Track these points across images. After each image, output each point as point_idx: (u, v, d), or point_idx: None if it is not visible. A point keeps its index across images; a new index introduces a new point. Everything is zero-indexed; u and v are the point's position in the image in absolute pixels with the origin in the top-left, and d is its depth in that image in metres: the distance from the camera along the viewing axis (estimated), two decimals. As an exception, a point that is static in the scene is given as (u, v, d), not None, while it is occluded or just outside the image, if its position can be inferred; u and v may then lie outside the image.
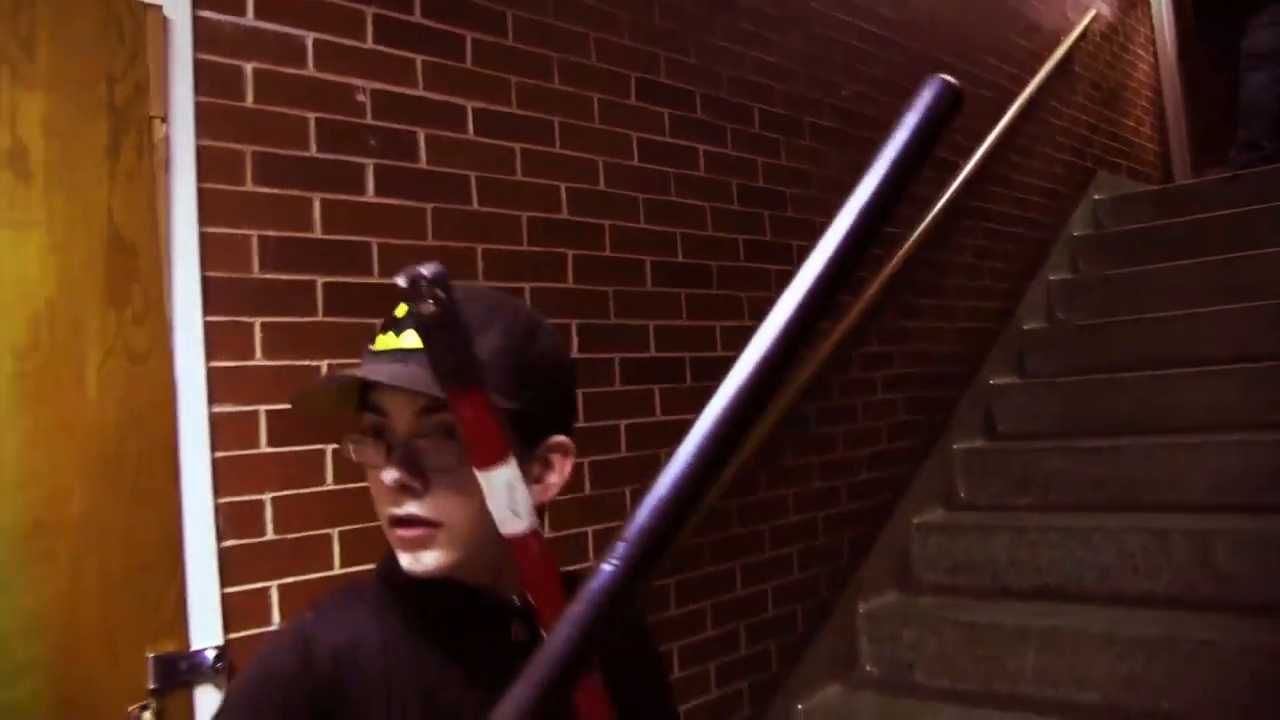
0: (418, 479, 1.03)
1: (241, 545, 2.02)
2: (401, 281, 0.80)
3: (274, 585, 2.06)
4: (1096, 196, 5.42)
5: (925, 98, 0.63)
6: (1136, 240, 5.10)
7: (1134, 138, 6.12)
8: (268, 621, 2.03)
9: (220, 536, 1.99)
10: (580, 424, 1.80)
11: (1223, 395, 3.83)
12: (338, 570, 2.15)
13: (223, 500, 2.00)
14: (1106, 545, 3.37)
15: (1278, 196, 4.76)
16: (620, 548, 0.60)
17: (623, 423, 2.80)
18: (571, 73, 2.79)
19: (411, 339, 1.02)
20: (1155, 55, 6.56)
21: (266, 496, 2.07)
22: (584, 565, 2.51)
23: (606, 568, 0.60)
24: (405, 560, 1.05)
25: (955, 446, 4.09)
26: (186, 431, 1.96)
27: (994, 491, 3.97)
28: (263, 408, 2.08)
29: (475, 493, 0.94)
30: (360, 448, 1.06)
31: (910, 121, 0.62)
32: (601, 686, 0.92)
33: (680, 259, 3.03)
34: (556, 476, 1.09)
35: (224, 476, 2.01)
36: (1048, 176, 5.04)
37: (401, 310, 1.05)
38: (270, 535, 2.07)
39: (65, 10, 1.89)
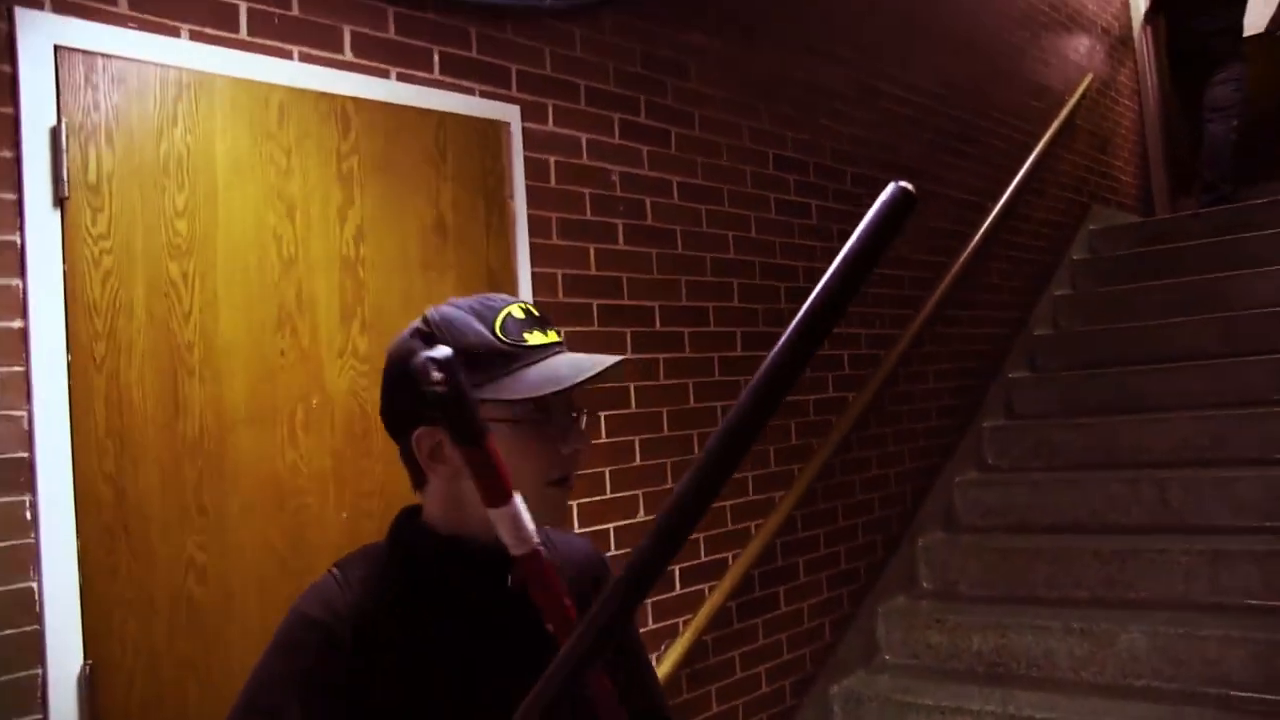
0: (583, 450, 1.22)
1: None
2: (417, 364, 0.89)
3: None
4: (1092, 227, 6.40)
5: (883, 199, 0.75)
6: (1123, 264, 6.10)
7: (1122, 176, 7.10)
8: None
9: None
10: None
11: (1184, 384, 4.86)
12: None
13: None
14: (1095, 492, 4.43)
15: (1233, 231, 5.78)
16: (618, 581, 0.80)
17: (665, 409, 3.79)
18: (732, 152, 3.77)
19: (554, 335, 1.23)
20: (1140, 105, 7.52)
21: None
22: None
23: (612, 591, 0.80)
24: (559, 513, 1.24)
25: (985, 424, 5.09)
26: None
27: (1014, 457, 4.97)
28: (602, 415, 3.04)
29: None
30: (538, 426, 1.19)
31: (870, 216, 0.75)
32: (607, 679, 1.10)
33: (801, 284, 4.00)
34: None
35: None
36: (1054, 211, 6.02)
37: (530, 308, 1.24)
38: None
39: (461, 128, 2.86)
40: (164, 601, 2.18)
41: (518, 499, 0.98)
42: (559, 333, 1.25)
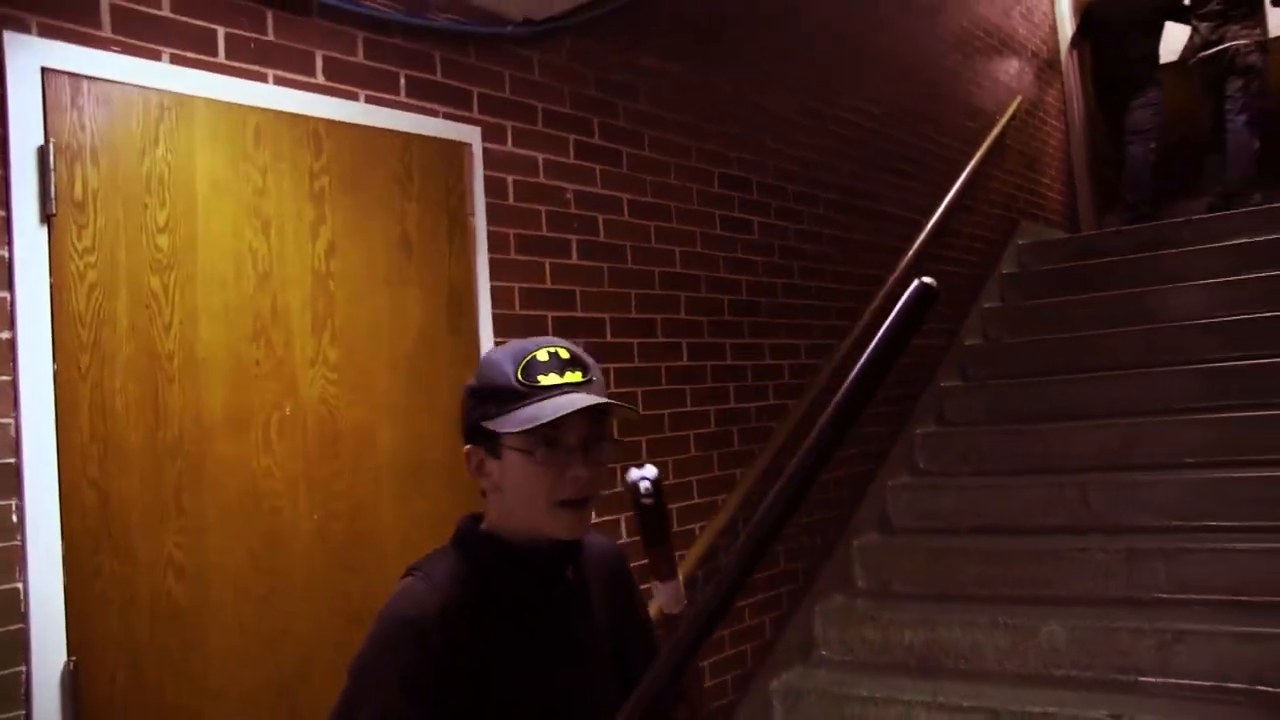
0: (595, 471, 1.39)
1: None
2: (631, 479, 1.40)
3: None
4: (1020, 242, 6.64)
5: (908, 295, 0.84)
6: (1049, 278, 6.36)
7: (1049, 193, 7.37)
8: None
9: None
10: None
11: (1105, 393, 5.10)
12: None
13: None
14: (1021, 495, 4.66)
15: (1152, 248, 6.05)
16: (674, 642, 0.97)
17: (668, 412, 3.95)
18: (680, 172, 3.91)
19: (578, 376, 1.40)
20: (1066, 126, 7.80)
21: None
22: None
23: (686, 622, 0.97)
24: (569, 530, 1.40)
25: (917, 431, 5.29)
26: (488, 407, 3.06)
27: (944, 462, 5.17)
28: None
29: (606, 475, 1.39)
30: (546, 454, 1.36)
31: (897, 311, 0.84)
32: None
33: (744, 297, 4.16)
34: None
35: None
36: (985, 227, 6.25)
37: (564, 352, 1.41)
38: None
39: (426, 149, 2.98)
40: (145, 599, 2.28)
41: (680, 578, 1.41)
42: (584, 373, 1.41)
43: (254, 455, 2.48)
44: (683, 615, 1.41)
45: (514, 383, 1.37)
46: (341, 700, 1.37)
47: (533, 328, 3.24)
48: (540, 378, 1.37)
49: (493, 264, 3.14)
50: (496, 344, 3.11)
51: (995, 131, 6.30)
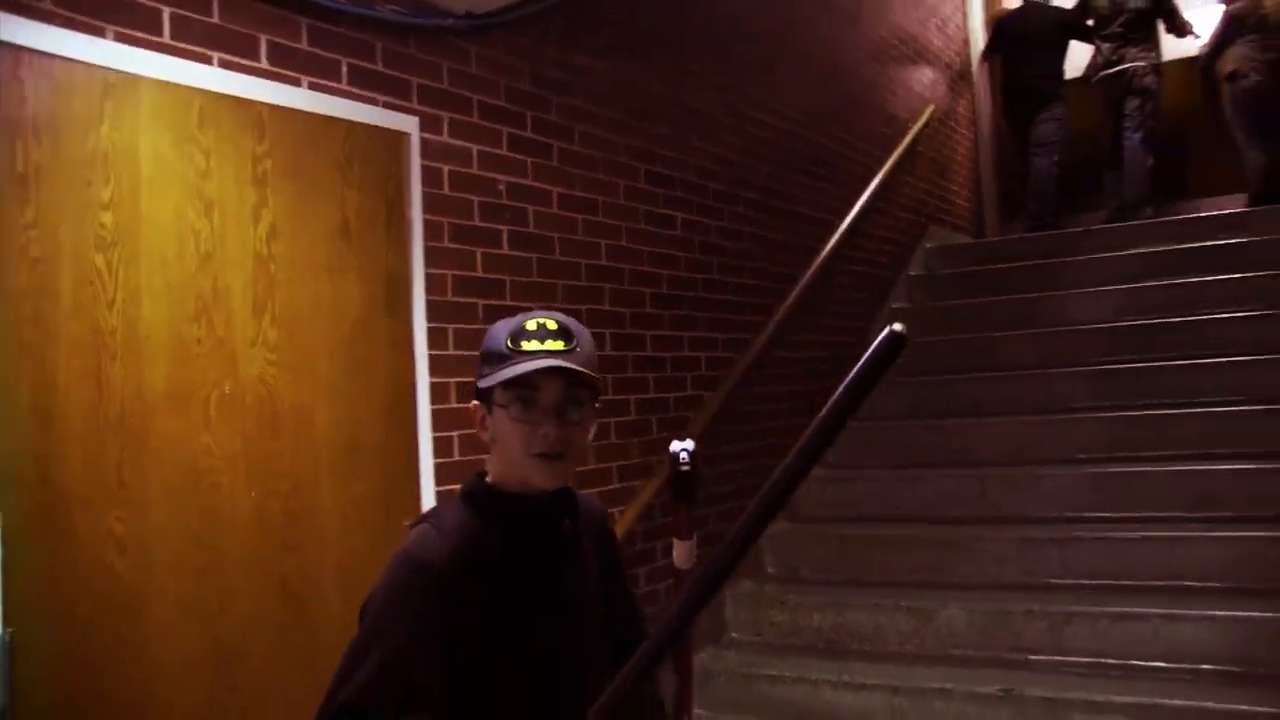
0: (566, 430, 1.56)
1: (442, 462, 3.19)
2: (673, 449, 1.76)
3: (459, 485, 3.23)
4: (928, 245, 6.88)
5: (879, 341, 0.93)
6: (955, 281, 6.60)
7: (957, 200, 7.63)
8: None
9: (435, 456, 3.16)
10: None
11: (1004, 392, 5.35)
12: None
13: (436, 435, 3.17)
14: (924, 487, 4.87)
15: (1052, 255, 6.33)
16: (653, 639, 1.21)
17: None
18: (608, 167, 4.01)
19: (559, 345, 1.55)
20: (975, 135, 8.07)
21: (455, 434, 3.24)
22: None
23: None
24: (544, 479, 1.56)
25: (827, 424, 5.44)
26: (420, 392, 3.13)
27: (853, 455, 5.33)
28: (453, 380, 3.24)
29: (582, 437, 1.58)
30: (520, 410, 1.54)
31: (869, 355, 0.93)
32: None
33: (665, 290, 4.27)
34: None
35: (436, 420, 3.18)
36: (895, 230, 6.46)
37: (551, 324, 1.57)
38: (457, 456, 3.24)
39: (366, 137, 3.02)
40: (85, 572, 2.30)
41: (694, 539, 1.71)
42: (567, 343, 1.57)
43: (195, 433, 2.51)
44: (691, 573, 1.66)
45: (503, 347, 1.56)
46: (359, 635, 1.53)
47: (464, 314, 3.31)
48: (524, 343, 1.55)
49: (428, 252, 3.20)
50: (434, 329, 3.19)
51: (908, 138, 6.51)
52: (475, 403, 1.65)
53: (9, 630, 2.17)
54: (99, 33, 2.42)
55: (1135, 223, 6.70)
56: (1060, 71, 7.40)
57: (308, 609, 2.74)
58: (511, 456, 1.58)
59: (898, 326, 0.95)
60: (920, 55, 7.06)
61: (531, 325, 1.58)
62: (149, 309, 2.44)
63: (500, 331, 1.60)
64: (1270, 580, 3.85)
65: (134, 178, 2.44)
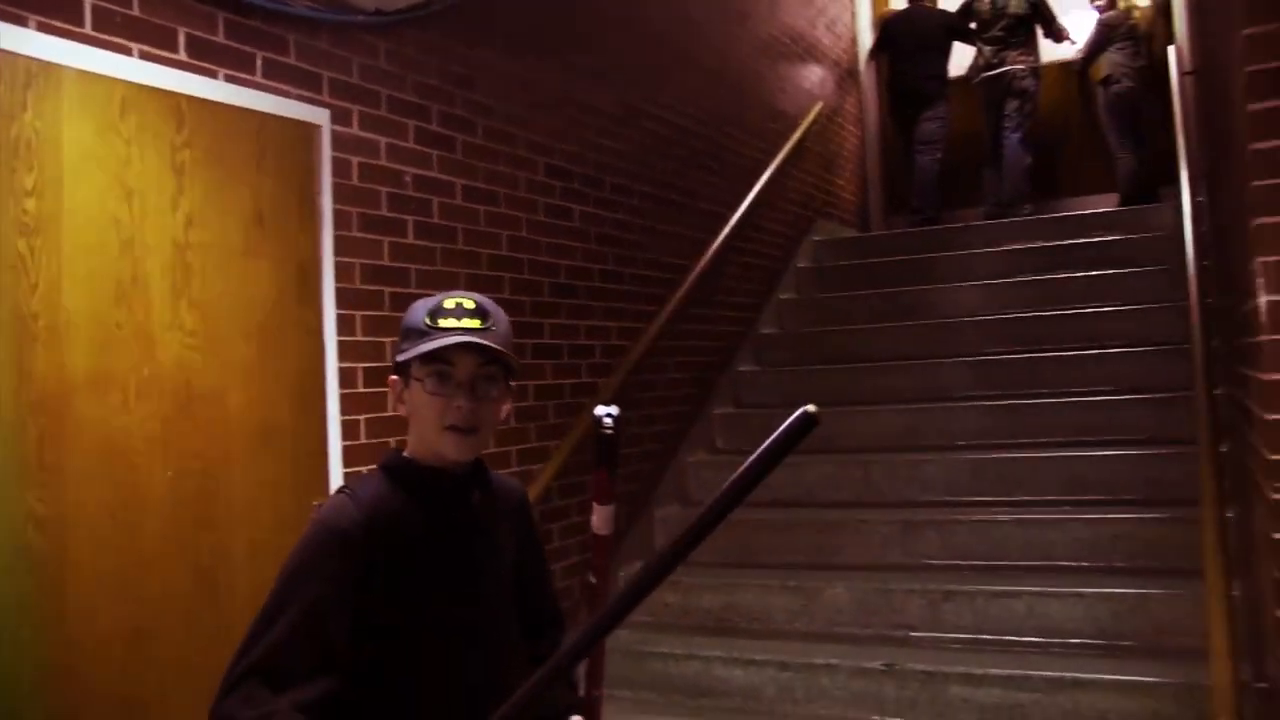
0: (478, 405, 1.65)
1: (350, 445, 3.35)
2: (597, 413, 1.69)
3: (366, 467, 3.40)
4: (816, 238, 7.22)
5: (792, 419, 1.02)
6: (841, 273, 6.97)
7: (844, 194, 8.00)
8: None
9: (343, 439, 3.32)
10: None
11: (887, 381, 5.71)
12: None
13: (344, 418, 3.33)
14: (810, 472, 5.16)
15: (932, 250, 6.73)
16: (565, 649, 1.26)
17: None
18: (509, 160, 4.20)
19: (476, 323, 1.64)
20: (862, 132, 8.46)
21: (362, 417, 3.40)
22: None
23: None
24: (456, 451, 1.66)
25: (715, 411, 5.76)
26: (329, 376, 3.28)
27: (740, 441, 5.63)
28: (361, 365, 3.40)
29: (494, 413, 1.68)
30: (436, 384, 1.63)
31: (782, 430, 1.02)
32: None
33: (563, 280, 4.48)
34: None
35: (344, 404, 3.34)
36: (783, 223, 6.77)
37: (469, 303, 1.66)
38: (364, 439, 3.40)
39: (279, 129, 3.17)
40: (5, 550, 2.42)
41: (613, 505, 1.71)
42: (483, 321, 1.66)
43: (114, 414, 2.64)
44: (606, 540, 1.73)
45: (422, 323, 1.64)
46: (271, 598, 1.58)
47: (372, 302, 3.47)
48: (441, 320, 1.64)
49: (337, 240, 3.35)
50: (342, 315, 3.35)
51: (797, 134, 6.83)
52: (393, 377, 1.72)
53: (-67, 606, 2.28)
54: (21, 22, 2.52)
55: (1013, 219, 7.12)
56: (944, 72, 7.81)
57: (219, 586, 2.89)
58: (425, 429, 1.67)
59: (811, 408, 1.04)
60: (809, 54, 7.38)
61: (450, 304, 1.66)
62: (70, 294, 2.56)
63: (419, 308, 1.68)
64: (1135, 559, 4.25)
65: (56, 165, 2.55)
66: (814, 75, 7.46)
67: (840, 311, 6.49)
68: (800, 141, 6.87)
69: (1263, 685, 2.85)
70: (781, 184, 6.67)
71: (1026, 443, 5.00)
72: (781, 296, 6.67)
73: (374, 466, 1.77)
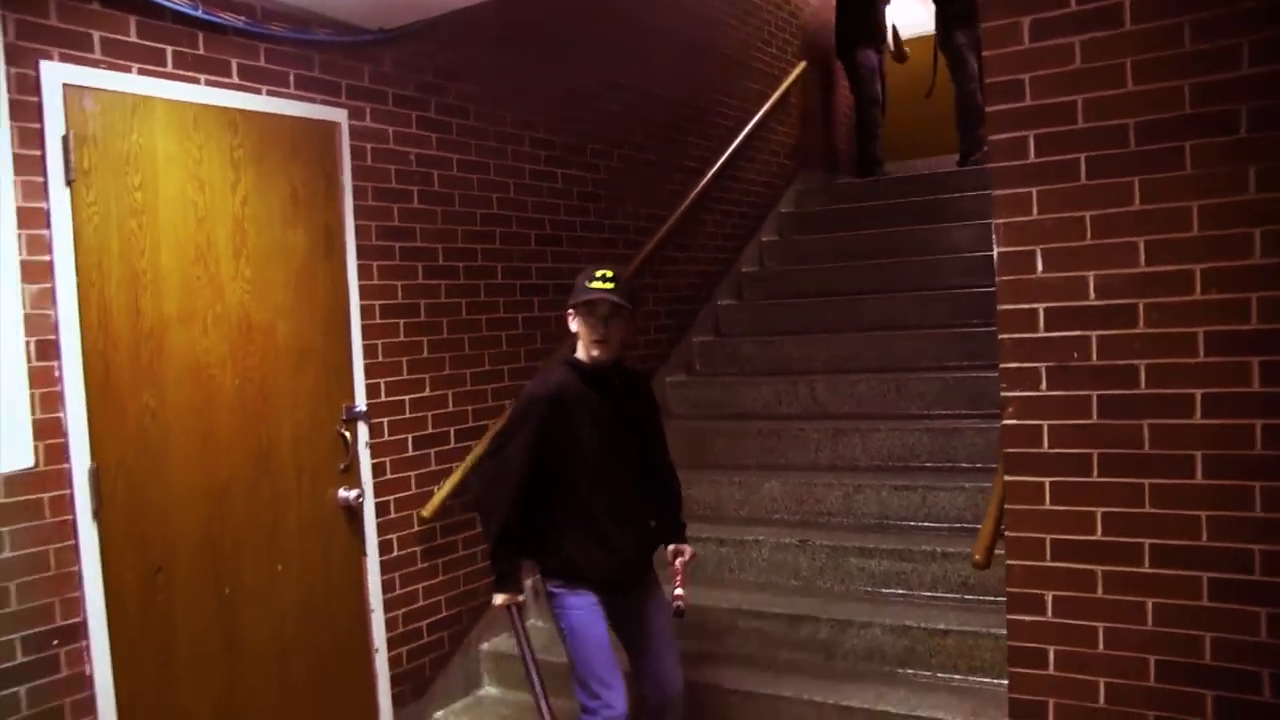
0: (609, 330, 3.58)
1: (371, 363, 4.67)
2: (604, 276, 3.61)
3: (383, 380, 4.74)
4: (799, 188, 8.43)
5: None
6: (818, 217, 8.19)
7: (823, 147, 9.16)
8: (383, 394, 4.71)
9: (364, 358, 4.64)
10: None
11: (841, 313, 6.93)
12: (429, 392, 4.84)
13: (365, 342, 4.65)
14: (766, 390, 6.47)
15: (897, 196, 7.88)
16: None
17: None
18: (498, 136, 5.46)
19: (610, 286, 3.53)
20: (836, 87, 9.54)
21: (379, 342, 4.72)
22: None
23: None
24: (600, 355, 3.58)
25: (695, 339, 7.05)
26: (353, 311, 4.61)
27: (715, 365, 6.94)
28: (377, 303, 4.72)
29: (620, 334, 3.60)
30: (587, 317, 3.56)
31: None
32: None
33: (547, 231, 5.76)
34: None
35: (365, 332, 4.66)
36: (767, 173, 7.99)
37: (608, 273, 3.57)
38: (380, 359, 4.72)
39: (309, 128, 4.45)
40: (133, 430, 3.79)
41: None
42: (615, 285, 3.55)
43: (196, 340, 3.99)
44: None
45: (583, 285, 3.55)
46: (505, 425, 3.79)
47: (386, 254, 4.78)
48: (590, 284, 3.53)
49: (356, 209, 4.65)
50: (362, 265, 4.64)
51: (778, 92, 8.02)
52: (570, 310, 3.60)
53: (94, 463, 3.65)
54: (126, 70, 3.83)
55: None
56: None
57: (271, 462, 4.25)
58: (583, 342, 3.58)
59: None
60: (795, 16, 8.52)
61: (598, 273, 3.53)
62: (166, 256, 3.90)
63: (582, 276, 3.57)
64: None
65: (152, 167, 3.88)
66: (794, 37, 8.61)
67: (814, 252, 7.71)
68: (783, 98, 8.05)
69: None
70: (763, 139, 7.88)
71: (945, 365, 6.19)
72: (763, 239, 7.89)
73: (538, 364, 3.34)
